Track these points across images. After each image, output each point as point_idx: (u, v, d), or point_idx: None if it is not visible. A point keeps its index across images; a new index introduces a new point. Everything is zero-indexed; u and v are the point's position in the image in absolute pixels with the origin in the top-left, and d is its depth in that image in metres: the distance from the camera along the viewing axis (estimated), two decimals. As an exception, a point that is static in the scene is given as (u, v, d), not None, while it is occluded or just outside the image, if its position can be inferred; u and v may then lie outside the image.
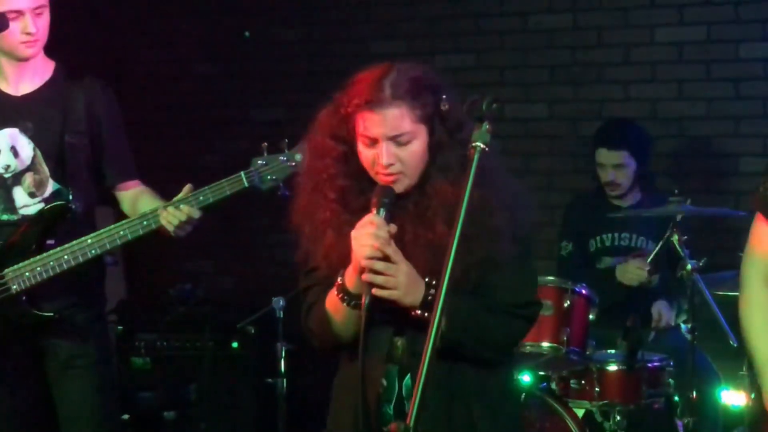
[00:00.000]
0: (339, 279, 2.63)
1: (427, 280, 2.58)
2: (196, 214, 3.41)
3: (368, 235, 2.53)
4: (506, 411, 2.76)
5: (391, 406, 2.69)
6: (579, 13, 5.82)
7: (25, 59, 3.59)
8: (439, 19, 6.05)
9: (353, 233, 2.57)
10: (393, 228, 2.56)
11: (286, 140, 3.43)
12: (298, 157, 3.38)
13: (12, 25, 3.50)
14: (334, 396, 2.80)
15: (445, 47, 5.96)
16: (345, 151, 2.67)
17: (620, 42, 5.75)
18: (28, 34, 3.52)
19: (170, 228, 3.42)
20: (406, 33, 6.07)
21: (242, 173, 3.42)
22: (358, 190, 2.67)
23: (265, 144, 3.43)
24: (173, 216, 3.40)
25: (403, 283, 2.55)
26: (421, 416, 2.49)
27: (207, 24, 6.52)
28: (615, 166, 5.00)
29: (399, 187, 2.62)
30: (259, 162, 3.42)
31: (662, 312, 4.89)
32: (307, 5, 6.34)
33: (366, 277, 2.52)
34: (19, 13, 3.49)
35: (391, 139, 2.58)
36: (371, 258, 2.52)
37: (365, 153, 2.63)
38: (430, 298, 2.56)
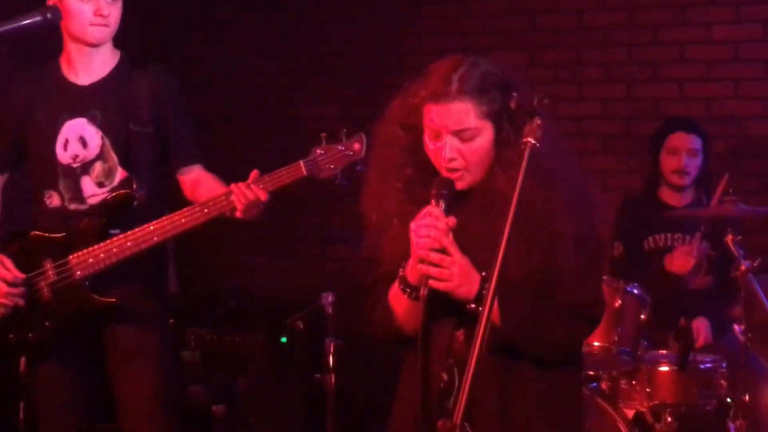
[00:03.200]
0: (401, 271, 2.64)
1: (483, 274, 2.56)
2: (264, 195, 3.42)
3: (426, 226, 2.55)
4: (565, 413, 2.73)
5: (452, 401, 2.64)
6: (634, 10, 5.81)
7: (94, 45, 3.60)
8: (492, 15, 6.06)
9: (412, 224, 2.58)
10: (451, 220, 2.56)
11: (344, 130, 3.46)
12: (357, 146, 3.42)
13: (85, 6, 3.52)
14: (399, 389, 2.80)
15: (498, 44, 5.97)
16: (413, 140, 2.68)
17: (676, 40, 5.73)
18: (101, 16, 3.54)
19: (239, 206, 3.43)
20: (459, 30, 6.08)
21: (301, 161, 3.45)
22: (423, 182, 2.67)
23: (324, 134, 3.47)
24: (243, 195, 3.42)
25: (456, 275, 2.55)
26: (475, 413, 2.51)
27: (260, 21, 6.58)
28: (689, 151, 4.97)
29: (461, 185, 2.62)
30: (318, 151, 3.45)
31: (701, 330, 4.86)
32: (360, 2, 6.37)
33: (421, 267, 2.53)
34: None
35: (455, 134, 2.58)
36: (428, 249, 2.54)
37: (430, 145, 2.64)
38: (484, 292, 2.53)
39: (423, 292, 2.54)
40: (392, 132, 2.72)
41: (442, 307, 2.61)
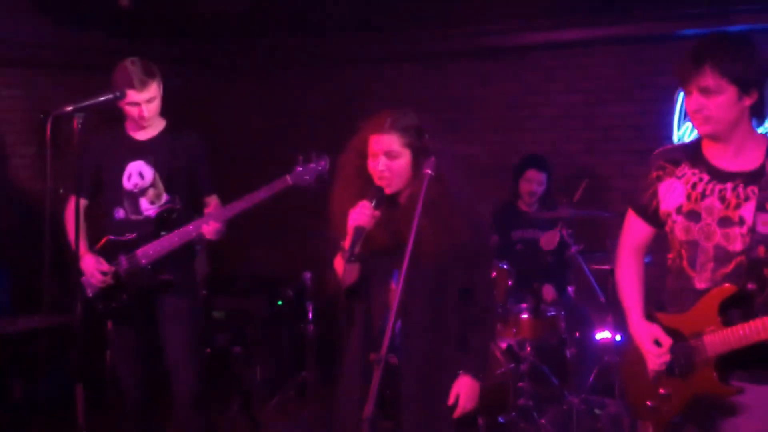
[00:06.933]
0: (342, 243, 2.64)
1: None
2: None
3: (358, 211, 2.58)
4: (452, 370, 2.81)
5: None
6: (504, 85, 5.86)
7: (144, 126, 3.64)
8: (414, 92, 6.10)
9: (350, 211, 2.61)
10: (377, 213, 2.60)
11: (314, 153, 3.45)
12: (323, 163, 3.41)
13: (130, 110, 3.54)
14: (350, 332, 2.79)
15: (418, 110, 5.95)
16: (362, 163, 2.72)
17: (530, 103, 5.79)
18: (143, 118, 3.56)
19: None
20: (392, 100, 6.08)
21: (287, 175, 3.45)
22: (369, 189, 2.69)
23: (301, 157, 3.46)
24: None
25: None
26: (414, 355, 2.54)
27: (257, 90, 6.56)
28: (539, 182, 5.03)
29: (389, 190, 2.67)
30: (297, 168, 3.44)
31: (549, 291, 4.89)
32: (327, 80, 6.38)
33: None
34: (136, 103, 3.53)
35: (385, 154, 2.64)
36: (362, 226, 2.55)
37: (371, 164, 2.68)
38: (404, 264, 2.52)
39: (348, 249, 2.56)
40: (349, 159, 2.76)
41: (382, 267, 2.62)
